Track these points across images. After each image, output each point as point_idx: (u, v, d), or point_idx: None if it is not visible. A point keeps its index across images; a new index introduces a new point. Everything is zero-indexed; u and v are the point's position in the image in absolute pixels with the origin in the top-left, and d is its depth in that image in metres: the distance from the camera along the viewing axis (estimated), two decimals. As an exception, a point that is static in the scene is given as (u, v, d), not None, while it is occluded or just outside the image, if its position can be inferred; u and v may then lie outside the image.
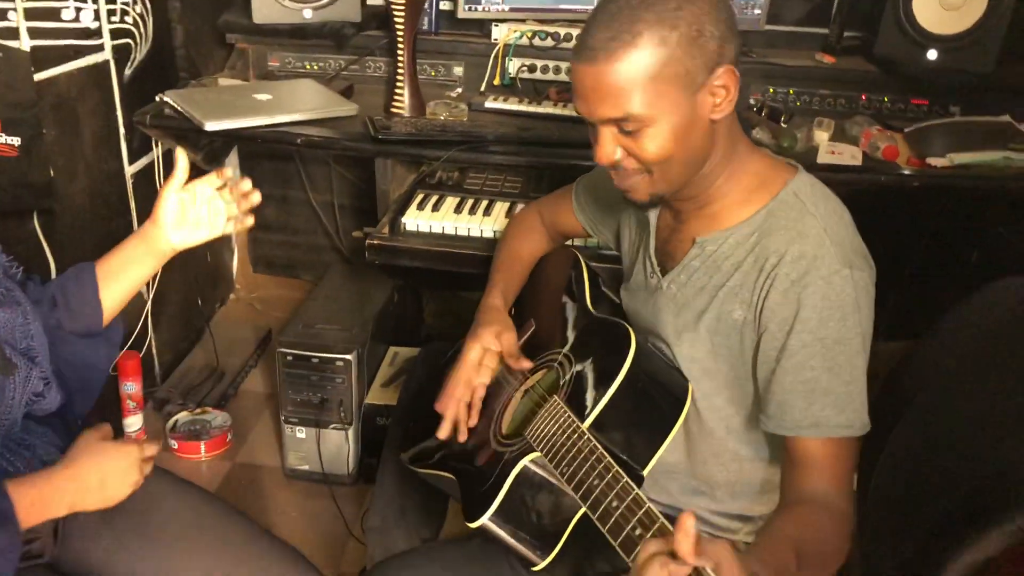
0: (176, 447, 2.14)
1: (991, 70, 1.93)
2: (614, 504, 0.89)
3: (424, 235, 1.75)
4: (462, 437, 1.19)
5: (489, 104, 2.00)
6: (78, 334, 1.18)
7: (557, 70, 2.10)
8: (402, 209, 1.78)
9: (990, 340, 1.12)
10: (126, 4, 1.97)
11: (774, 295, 0.99)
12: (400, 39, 1.92)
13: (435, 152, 1.81)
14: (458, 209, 1.78)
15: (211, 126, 1.81)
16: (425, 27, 2.13)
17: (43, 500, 1.01)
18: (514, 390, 1.22)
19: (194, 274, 2.50)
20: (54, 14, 1.77)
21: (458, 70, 2.17)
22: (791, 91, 2.07)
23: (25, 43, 1.69)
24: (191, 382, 2.34)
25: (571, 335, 1.21)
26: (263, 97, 1.94)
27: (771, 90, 2.07)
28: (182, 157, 1.18)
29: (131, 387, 2.07)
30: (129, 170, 2.11)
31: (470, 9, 2.10)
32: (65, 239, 1.86)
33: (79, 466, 1.04)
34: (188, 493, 1.24)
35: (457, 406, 1.19)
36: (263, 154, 2.63)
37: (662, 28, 0.93)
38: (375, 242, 1.73)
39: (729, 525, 1.15)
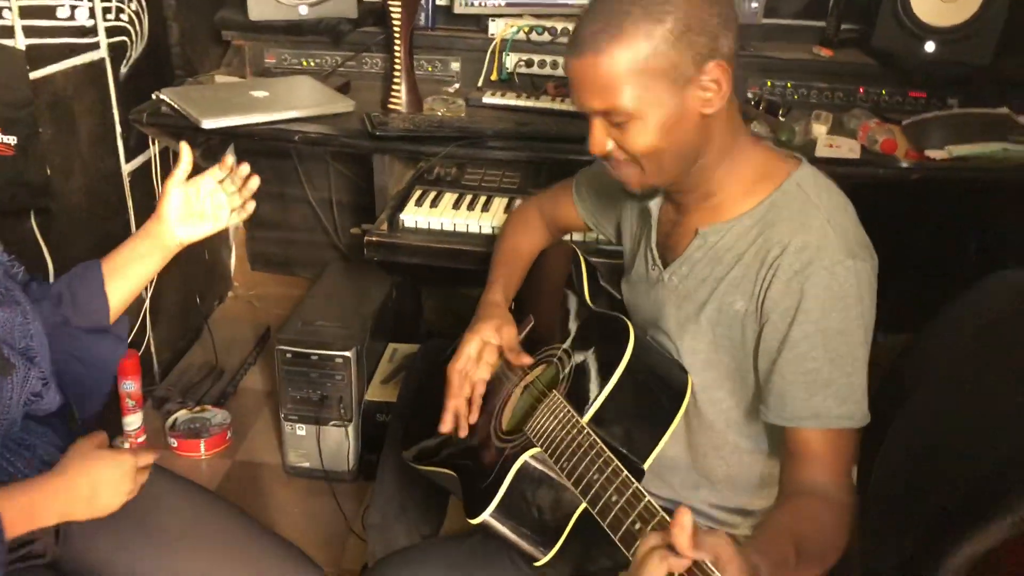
0: (176, 445, 2.14)
1: (989, 62, 1.92)
2: (614, 499, 0.89)
3: (423, 231, 1.75)
4: (463, 432, 1.19)
5: (487, 99, 2.00)
6: (84, 329, 1.17)
7: (555, 65, 2.09)
8: (400, 205, 1.78)
9: (990, 333, 1.12)
10: (121, 2, 1.96)
11: (776, 285, 0.99)
12: (397, 35, 1.92)
13: (433, 148, 1.81)
14: (456, 205, 1.78)
15: (208, 124, 1.80)
16: (422, 23, 2.13)
17: (31, 509, 0.98)
18: (514, 386, 1.22)
19: (192, 272, 2.50)
20: (49, 12, 1.76)
21: (455, 65, 2.17)
22: (789, 84, 2.06)
23: (20, 42, 1.68)
24: (190, 380, 2.34)
25: (570, 330, 1.21)
26: (260, 94, 1.94)
27: (769, 84, 2.06)
28: (186, 151, 1.18)
29: (130, 386, 2.07)
30: (126, 168, 2.10)
31: (467, 4, 2.09)
32: (62, 238, 1.85)
33: (70, 475, 1.02)
34: (189, 492, 1.24)
35: (456, 398, 1.19)
36: (260, 151, 2.61)
37: (648, 22, 0.93)
38: (374, 239, 1.72)
39: (730, 519, 1.16)
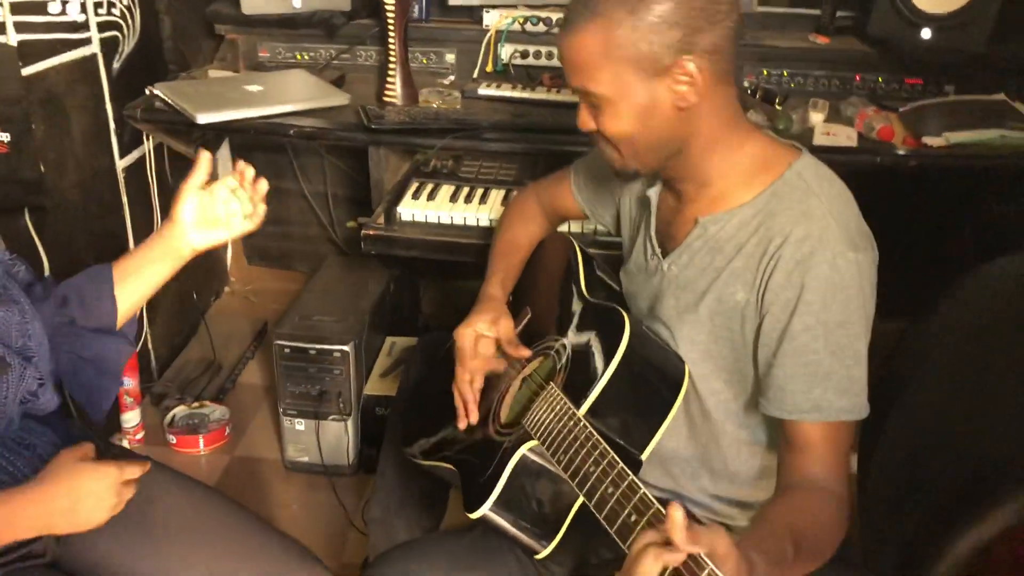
0: (174, 442, 2.14)
1: (985, 48, 1.92)
2: (609, 491, 0.89)
3: (420, 224, 1.74)
4: (462, 424, 1.19)
5: (482, 91, 1.99)
6: (90, 329, 1.16)
7: (550, 55, 2.08)
8: (397, 199, 1.77)
9: (986, 321, 1.13)
10: (113, -4, 1.95)
11: (777, 277, 0.98)
12: (391, 27, 1.91)
13: (429, 140, 1.80)
14: (454, 198, 1.78)
15: (203, 119, 1.79)
16: (416, 14, 2.11)
17: (9, 519, 0.97)
18: (512, 379, 1.22)
19: (188, 267, 2.45)
20: (40, 8, 1.75)
21: (450, 57, 2.16)
22: (785, 73, 2.06)
23: (12, 38, 1.67)
24: (188, 376, 2.33)
25: (567, 322, 1.20)
26: (254, 88, 1.93)
27: (765, 72, 2.06)
28: (205, 158, 1.15)
29: (128, 382, 2.06)
30: (120, 164, 2.10)
31: (461, -5, 2.08)
32: (57, 235, 1.84)
33: (50, 487, 0.99)
34: (188, 488, 1.24)
35: (462, 391, 1.20)
36: (255, 146, 2.61)
37: (622, 9, 0.94)
38: (371, 232, 1.72)
39: (728, 511, 1.15)
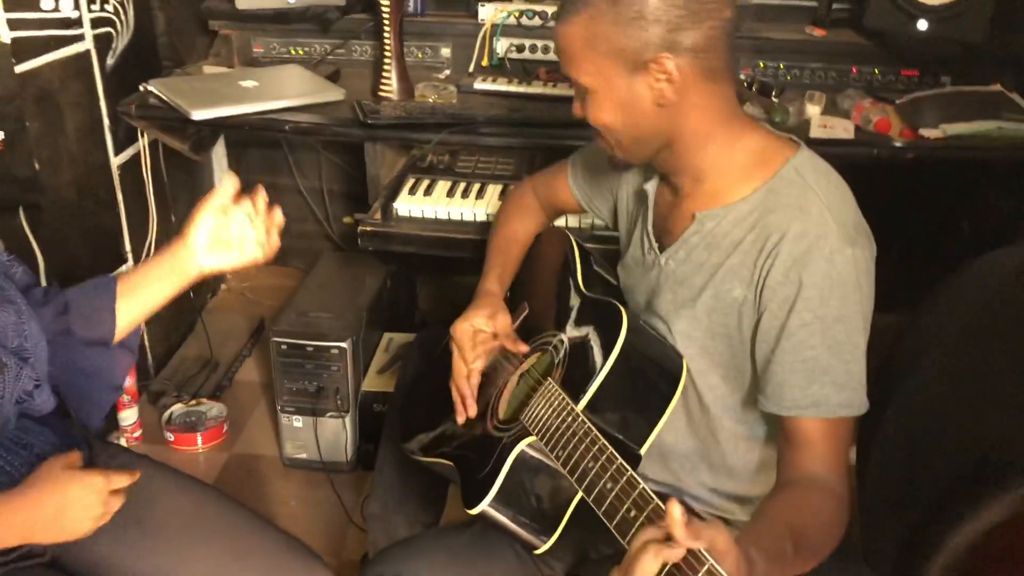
0: (172, 439, 2.13)
1: (981, 39, 1.91)
2: (608, 486, 0.89)
3: (417, 220, 1.74)
4: (460, 419, 1.19)
5: (478, 85, 1.98)
6: (86, 342, 1.14)
7: (546, 49, 2.07)
8: (393, 194, 1.77)
9: (985, 313, 1.13)
10: (106, -8, 1.94)
11: (775, 274, 0.98)
12: (386, 21, 1.90)
13: (425, 135, 1.79)
14: (450, 193, 1.77)
15: (198, 115, 1.79)
16: (411, 9, 2.11)
17: None
18: (510, 374, 1.21)
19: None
20: (33, 4, 1.74)
21: (445, 51, 2.15)
22: (781, 65, 2.05)
23: (5, 35, 1.66)
24: (185, 374, 2.33)
25: (564, 316, 1.20)
26: (249, 84, 1.92)
27: (761, 65, 2.05)
28: (231, 180, 1.13)
29: (125, 380, 2.06)
30: (115, 161, 2.09)
31: (456, -11, 2.07)
32: (52, 233, 1.83)
33: (34, 495, 0.97)
34: (187, 486, 1.24)
35: (459, 386, 1.20)
36: (250, 142, 2.60)
37: (603, 3, 0.96)
38: (367, 228, 1.71)
39: (728, 506, 1.16)
